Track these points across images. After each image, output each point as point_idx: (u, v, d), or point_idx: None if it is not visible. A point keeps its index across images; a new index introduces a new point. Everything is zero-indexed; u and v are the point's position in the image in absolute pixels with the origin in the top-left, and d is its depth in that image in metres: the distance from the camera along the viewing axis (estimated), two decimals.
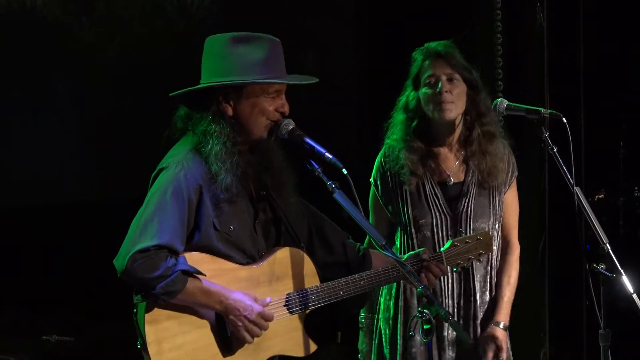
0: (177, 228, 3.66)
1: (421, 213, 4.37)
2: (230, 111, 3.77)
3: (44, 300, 6.12)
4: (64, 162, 6.31)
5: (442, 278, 4.34)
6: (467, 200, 4.43)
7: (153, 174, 3.78)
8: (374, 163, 4.57)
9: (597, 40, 6.69)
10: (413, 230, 4.38)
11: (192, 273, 3.65)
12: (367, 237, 4.21)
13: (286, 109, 3.81)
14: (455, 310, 4.40)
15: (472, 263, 4.22)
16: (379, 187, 4.48)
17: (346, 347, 7.05)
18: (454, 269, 4.15)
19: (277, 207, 3.92)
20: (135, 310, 3.70)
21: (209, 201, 3.73)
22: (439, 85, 4.36)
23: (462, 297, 4.43)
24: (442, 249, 4.09)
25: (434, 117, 4.38)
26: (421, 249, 4.11)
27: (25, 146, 6.22)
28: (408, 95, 4.47)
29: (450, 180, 4.46)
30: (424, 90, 4.40)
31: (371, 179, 4.52)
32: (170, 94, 3.81)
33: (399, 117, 4.48)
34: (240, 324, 3.68)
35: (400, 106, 4.49)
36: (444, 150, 4.46)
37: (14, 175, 6.17)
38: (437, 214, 4.38)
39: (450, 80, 4.37)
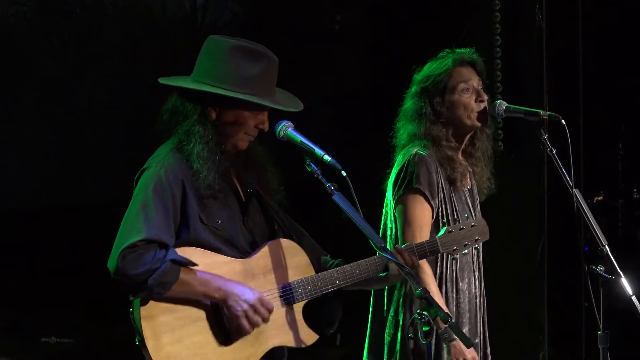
0: (162, 222, 3.67)
1: (464, 215, 4.37)
2: (214, 115, 3.79)
3: (43, 302, 6.12)
4: (65, 162, 6.31)
5: (470, 283, 4.39)
6: (478, 205, 4.48)
7: (136, 176, 3.81)
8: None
9: (596, 42, 6.70)
10: None
11: (183, 262, 3.66)
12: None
13: (266, 126, 3.83)
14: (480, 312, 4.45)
15: (468, 250, 4.22)
16: (430, 190, 4.30)
17: (345, 349, 7.07)
18: (452, 257, 4.16)
19: (268, 206, 3.94)
20: (131, 309, 3.71)
21: (192, 195, 3.74)
22: (478, 93, 4.35)
23: (481, 297, 4.47)
24: (437, 236, 4.08)
25: (468, 124, 4.37)
26: (407, 243, 4.09)
27: (29, 148, 6.23)
28: (431, 100, 4.41)
29: (467, 184, 4.48)
30: (458, 97, 4.37)
31: (413, 185, 4.27)
32: (159, 80, 3.83)
33: (424, 122, 4.40)
34: (239, 309, 3.67)
35: (423, 112, 4.38)
36: (458, 156, 4.47)
37: (12, 176, 6.17)
38: (471, 216, 4.40)
39: (482, 89, 4.39)
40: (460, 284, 4.39)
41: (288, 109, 3.84)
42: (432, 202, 4.30)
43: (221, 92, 3.74)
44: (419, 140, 4.40)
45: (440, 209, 4.36)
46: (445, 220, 4.35)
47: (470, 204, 4.45)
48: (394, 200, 4.36)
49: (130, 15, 6.62)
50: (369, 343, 4.52)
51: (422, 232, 4.26)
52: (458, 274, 4.38)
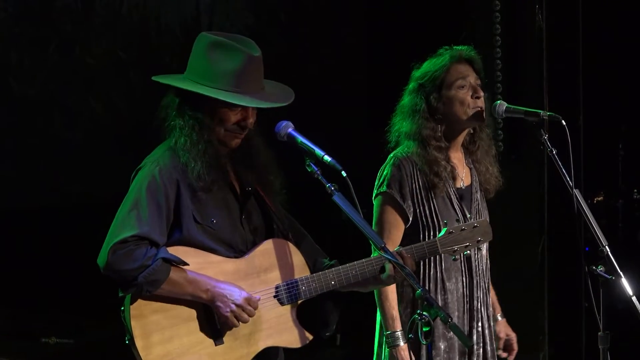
0: (154, 220, 3.67)
1: (448, 217, 4.33)
2: (191, 109, 3.75)
3: (43, 302, 6.12)
4: (65, 162, 6.32)
5: (458, 282, 4.37)
6: (477, 204, 4.45)
7: (132, 175, 3.81)
8: (373, 165, 4.54)
9: (596, 42, 6.70)
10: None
11: (174, 261, 3.65)
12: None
13: (248, 122, 3.77)
14: (474, 313, 4.43)
15: (471, 251, 4.19)
16: (400, 193, 4.32)
17: (345, 349, 7.08)
18: (453, 257, 4.13)
19: (266, 205, 3.91)
20: (122, 308, 3.70)
21: (187, 194, 3.73)
22: (475, 90, 4.34)
23: (478, 300, 4.44)
24: (437, 237, 4.07)
25: (463, 119, 4.35)
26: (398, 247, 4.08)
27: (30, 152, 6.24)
28: (427, 96, 4.40)
29: (462, 183, 4.46)
30: (455, 93, 4.35)
31: (383, 189, 4.34)
32: (152, 77, 3.83)
33: (417, 118, 4.39)
34: (227, 309, 3.66)
35: (418, 109, 4.39)
36: (455, 154, 4.45)
37: (12, 176, 6.18)
38: (460, 217, 4.36)
39: (479, 86, 4.37)
40: (447, 284, 4.38)
41: (264, 105, 3.77)
42: (403, 205, 4.33)
43: (185, 88, 3.72)
44: (407, 140, 4.40)
45: (417, 211, 4.36)
46: (424, 221, 4.35)
47: (459, 204, 4.41)
48: (373, 200, 4.42)
49: (133, 18, 6.63)
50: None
51: (391, 234, 4.30)
52: (444, 274, 4.37)
